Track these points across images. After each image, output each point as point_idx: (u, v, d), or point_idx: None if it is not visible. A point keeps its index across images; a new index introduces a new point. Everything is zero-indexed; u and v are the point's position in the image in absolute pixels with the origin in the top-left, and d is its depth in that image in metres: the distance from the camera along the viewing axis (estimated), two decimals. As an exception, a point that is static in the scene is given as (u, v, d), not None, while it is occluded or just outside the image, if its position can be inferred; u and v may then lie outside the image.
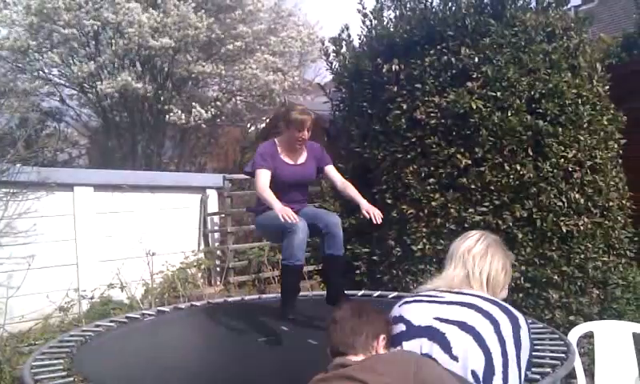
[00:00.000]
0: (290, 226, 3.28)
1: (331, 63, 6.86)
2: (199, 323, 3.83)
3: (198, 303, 4.91)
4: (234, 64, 12.48)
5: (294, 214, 3.25)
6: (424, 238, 5.30)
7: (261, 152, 3.58)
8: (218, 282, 7.07)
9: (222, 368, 3.23)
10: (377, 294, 4.93)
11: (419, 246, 5.29)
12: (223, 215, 7.54)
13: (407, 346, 1.93)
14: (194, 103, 11.70)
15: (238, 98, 12.94)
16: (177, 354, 3.45)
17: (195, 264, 6.74)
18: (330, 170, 3.78)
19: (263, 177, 3.47)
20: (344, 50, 6.66)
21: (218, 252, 7.51)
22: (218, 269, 7.24)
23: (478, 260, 2.17)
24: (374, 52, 6.07)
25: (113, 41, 11.13)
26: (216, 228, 7.82)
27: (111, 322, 4.30)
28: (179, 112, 11.39)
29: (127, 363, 3.26)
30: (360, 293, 4.90)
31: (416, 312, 2.03)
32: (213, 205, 7.84)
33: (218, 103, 12.32)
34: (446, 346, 1.88)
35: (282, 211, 3.23)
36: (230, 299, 4.94)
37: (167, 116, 11.51)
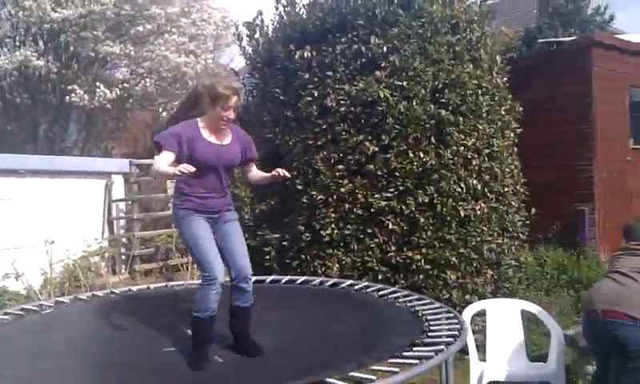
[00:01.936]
0: (209, 273, 3.02)
1: (244, 48, 6.77)
2: (101, 314, 3.69)
3: (100, 293, 4.76)
4: (143, 45, 12.07)
5: (190, 168, 2.91)
6: (332, 223, 5.38)
7: (175, 131, 3.21)
8: (123, 271, 6.87)
9: (124, 363, 3.13)
10: (286, 279, 4.98)
11: (328, 231, 5.36)
12: (129, 202, 7.31)
13: None
14: (98, 83, 11.22)
15: (148, 80, 12.53)
16: (74, 348, 3.32)
17: (98, 252, 6.51)
18: (253, 166, 3.53)
19: (163, 157, 3.09)
20: (257, 35, 6.57)
21: (124, 239, 7.29)
22: (123, 257, 7.04)
23: None
24: (287, 38, 6.05)
25: (12, 13, 10.42)
26: (122, 215, 7.58)
27: (5, 314, 4.08)
28: (82, 92, 10.88)
29: (20, 359, 3.10)
30: (269, 279, 4.93)
31: None
32: (119, 191, 7.59)
33: (126, 85, 11.88)
34: None
35: (179, 169, 2.90)
36: (135, 288, 4.81)
37: (68, 96, 10.95)
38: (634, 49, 7.92)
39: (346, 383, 2.45)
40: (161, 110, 14.47)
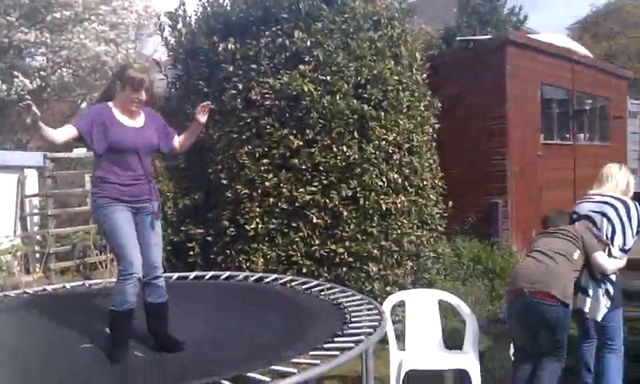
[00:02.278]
0: (126, 266, 2.94)
1: (167, 39, 6.62)
2: (14, 315, 3.52)
3: (12, 293, 4.53)
4: (61, 33, 11.52)
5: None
6: (257, 217, 5.39)
7: (88, 115, 3.09)
8: (37, 269, 6.57)
9: (40, 363, 3.01)
10: (210, 274, 4.92)
11: (252, 226, 5.36)
12: (44, 197, 6.98)
13: (577, 225, 3.84)
14: (15, 72, 10.62)
15: (66, 70, 11.97)
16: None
17: (10, 250, 6.18)
18: (176, 138, 3.37)
19: (65, 130, 2.98)
20: (180, 26, 6.45)
21: (38, 237, 6.95)
22: (37, 255, 6.71)
23: (617, 176, 3.95)
24: (211, 30, 5.97)
25: None
26: (35, 211, 7.22)
27: None
28: (-1, 82, 10.28)
29: None
30: (192, 275, 4.86)
31: (581, 206, 3.96)
32: (32, 186, 7.23)
33: (42, 73, 11.31)
34: (595, 224, 3.81)
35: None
36: (50, 288, 4.62)
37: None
38: (544, 48, 8.36)
39: (267, 377, 2.46)
40: (79, 101, 13.88)
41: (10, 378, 2.76)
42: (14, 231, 6.86)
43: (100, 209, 3.06)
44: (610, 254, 3.72)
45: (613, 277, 3.73)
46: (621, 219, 3.75)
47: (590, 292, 3.74)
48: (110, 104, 3.14)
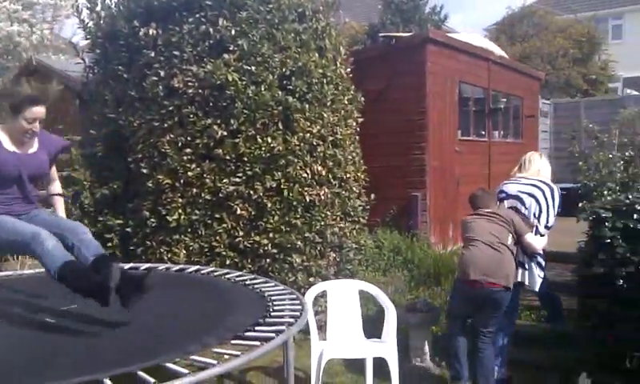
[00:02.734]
0: (31, 234, 2.80)
1: (84, 21, 6.34)
2: None
3: None
4: (-34, 10, 10.78)
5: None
6: (179, 208, 5.30)
7: None
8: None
9: None
10: (129, 266, 4.79)
11: (174, 217, 5.26)
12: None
13: (507, 203, 4.35)
14: None
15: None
16: None
17: None
18: (54, 172, 3.35)
19: None
20: (99, 8, 6.20)
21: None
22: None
23: (537, 163, 4.46)
24: (131, 13, 5.78)
25: None
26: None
27: None
28: None
29: None
30: (110, 266, 4.71)
31: (509, 187, 4.42)
32: None
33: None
34: (522, 204, 4.29)
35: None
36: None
37: None
38: (462, 47, 8.69)
39: (186, 369, 2.44)
40: (-12, 82, 13.03)
41: None
42: None
43: None
44: (537, 232, 4.21)
45: (541, 250, 4.25)
46: (547, 200, 4.25)
47: (526, 266, 4.23)
48: None
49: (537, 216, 4.24)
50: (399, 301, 5.44)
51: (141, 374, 2.35)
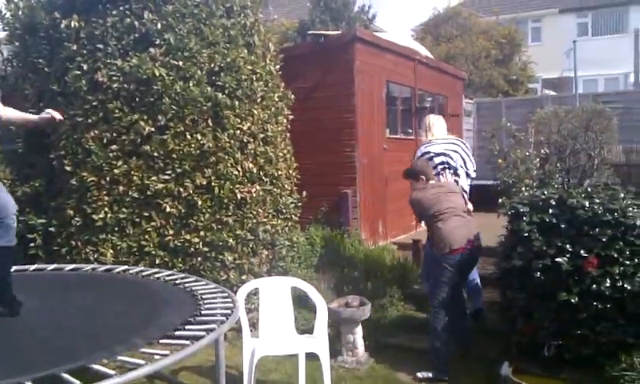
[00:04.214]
0: None
1: (1, 12, 6.04)
2: None
3: None
4: None
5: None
6: (106, 206, 5.15)
7: None
8: None
9: None
10: (52, 267, 4.63)
11: (101, 215, 5.12)
12: None
13: (436, 159, 5.06)
14: None
15: None
16: None
17: None
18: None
19: None
20: (17, -2, 5.92)
21: None
22: None
23: (441, 122, 5.41)
24: (51, 5, 5.58)
25: None
26: None
27: None
28: None
29: None
30: (33, 267, 4.54)
31: (434, 148, 5.12)
32: None
33: None
34: (450, 158, 5.07)
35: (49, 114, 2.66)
36: None
37: None
38: (389, 47, 8.86)
39: (112, 370, 2.39)
40: None
41: None
42: None
43: None
44: (468, 176, 5.19)
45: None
46: (465, 152, 5.21)
47: None
48: None
49: (463, 165, 5.13)
50: (331, 296, 5.51)
51: (65, 376, 2.29)
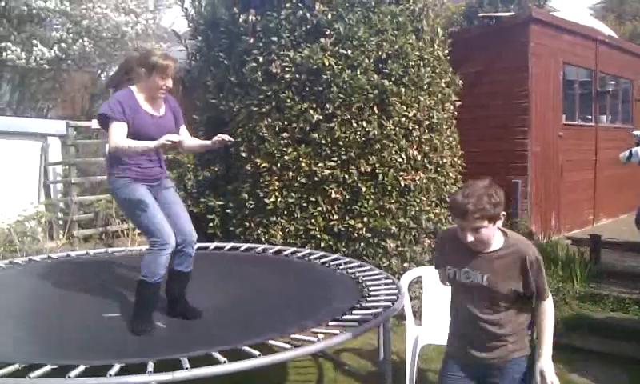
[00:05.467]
0: (161, 238, 3.02)
1: (187, 10, 6.61)
2: (39, 278, 3.60)
3: (37, 258, 4.64)
4: (81, 2, 11.54)
5: (179, 137, 2.96)
6: (276, 191, 5.41)
7: (119, 100, 3.10)
8: (61, 236, 6.67)
9: (64, 328, 3.09)
10: (229, 246, 5.00)
11: (272, 199, 5.38)
12: (66, 165, 7.07)
13: None
14: (34, 41, 10.69)
15: (87, 40, 12.03)
16: (10, 311, 3.25)
17: (35, 217, 6.29)
18: (184, 130, 3.45)
19: (119, 129, 3.02)
20: (201, -4, 6.44)
21: (61, 204, 7.07)
22: (61, 222, 6.82)
23: None
24: (231, 1, 5.94)
25: None
26: (58, 178, 7.33)
27: None
28: (18, 50, 10.36)
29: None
30: (212, 245, 4.93)
31: None
32: (55, 154, 7.33)
33: (63, 45, 11.37)
34: None
35: (163, 141, 2.88)
36: (73, 253, 4.71)
37: (4, 53, 10.39)
38: (568, 27, 8.21)
39: (287, 345, 2.51)
40: (99, 71, 13.95)
41: (32, 341, 2.84)
42: (38, 198, 6.98)
43: (121, 189, 3.13)
44: None
45: None
46: None
47: None
48: (134, 89, 3.18)
49: None
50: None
51: (246, 348, 2.46)
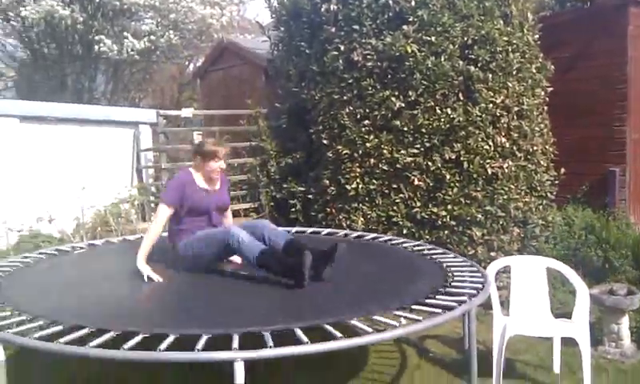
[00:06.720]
0: (224, 235, 3.40)
1: (270, 1, 6.72)
2: (130, 256, 3.78)
3: (131, 237, 4.88)
4: (169, -4, 12.01)
5: (159, 278, 3.37)
6: (358, 177, 5.41)
7: (176, 185, 3.65)
8: (152, 218, 6.99)
9: (149, 299, 3.26)
10: (311, 230, 5.05)
11: (353, 186, 5.40)
12: (157, 151, 7.40)
13: None
14: (125, 33, 11.24)
15: (173, 32, 12.52)
16: (106, 286, 3.44)
17: (128, 199, 6.63)
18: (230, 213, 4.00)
19: (162, 214, 3.58)
20: (282, -14, 6.52)
21: (152, 188, 7.41)
22: (152, 205, 7.15)
23: None
24: (313, -9, 5.99)
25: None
26: (150, 164, 7.68)
27: (40, 253, 4.23)
28: (110, 42, 10.93)
29: (55, 294, 3.23)
30: (294, 229, 5.00)
31: None
32: (146, 141, 7.69)
33: (152, 37, 11.88)
34: None
35: (145, 270, 3.38)
36: (164, 234, 4.90)
37: (97, 46, 11.01)
38: (672, 7, 7.63)
39: (369, 327, 2.50)
40: (187, 63, 14.47)
41: (124, 312, 2.99)
42: (131, 182, 7.35)
43: (189, 254, 3.58)
44: None
45: None
46: None
47: None
48: (192, 170, 3.72)
49: None
50: (590, 283, 5.00)
51: (328, 327, 2.47)
